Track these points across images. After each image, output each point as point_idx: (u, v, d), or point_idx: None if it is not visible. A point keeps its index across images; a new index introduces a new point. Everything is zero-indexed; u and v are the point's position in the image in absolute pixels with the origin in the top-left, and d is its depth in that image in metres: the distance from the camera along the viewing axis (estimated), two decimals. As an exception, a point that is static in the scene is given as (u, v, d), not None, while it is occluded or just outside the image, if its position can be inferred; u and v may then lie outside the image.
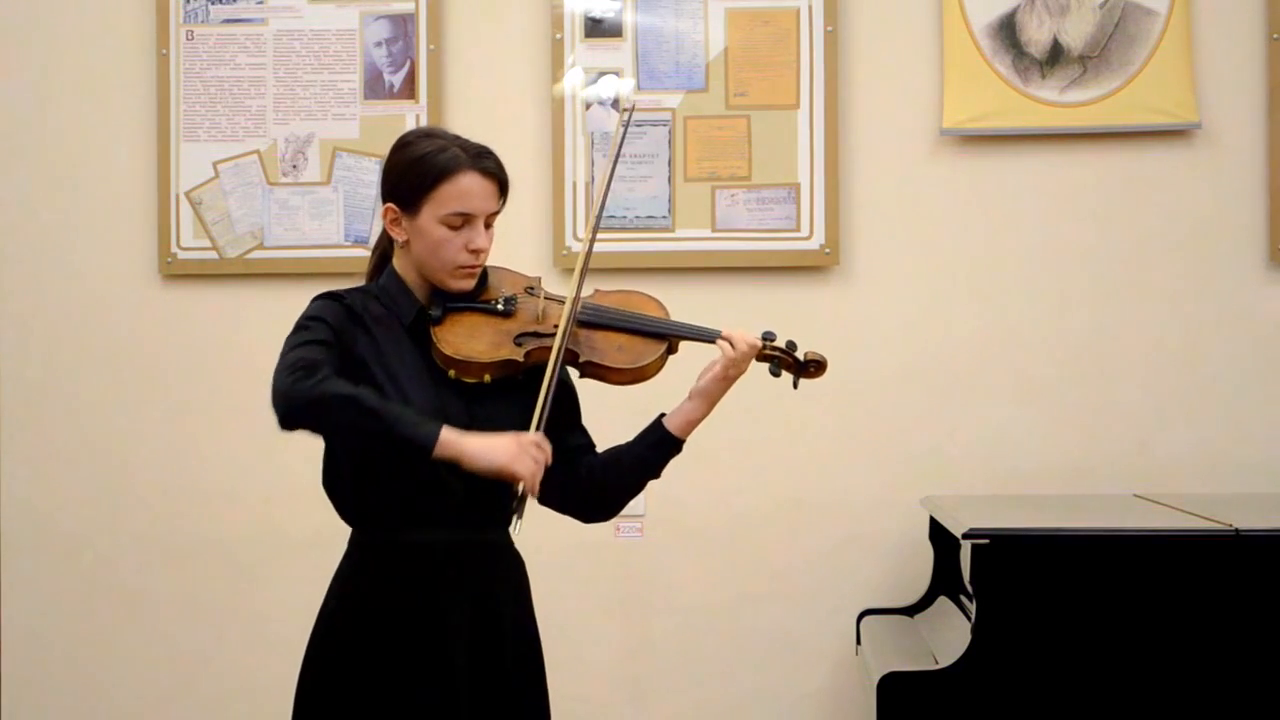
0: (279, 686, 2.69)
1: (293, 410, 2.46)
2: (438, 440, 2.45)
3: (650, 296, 2.75)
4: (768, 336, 2.68)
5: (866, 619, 3.87)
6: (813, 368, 2.71)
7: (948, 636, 3.39)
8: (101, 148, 4.23)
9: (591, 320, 2.67)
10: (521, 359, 2.61)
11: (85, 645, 4.23)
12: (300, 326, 2.58)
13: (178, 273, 4.19)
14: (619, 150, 2.78)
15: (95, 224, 4.23)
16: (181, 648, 4.20)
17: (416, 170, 2.60)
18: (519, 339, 2.63)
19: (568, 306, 2.62)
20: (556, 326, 2.62)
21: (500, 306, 2.66)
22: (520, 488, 2.53)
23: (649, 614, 4.12)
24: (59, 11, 4.24)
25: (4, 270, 4.26)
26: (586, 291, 2.72)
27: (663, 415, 2.69)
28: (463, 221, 2.60)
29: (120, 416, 4.21)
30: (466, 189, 2.59)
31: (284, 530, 4.11)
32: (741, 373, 2.66)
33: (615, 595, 4.12)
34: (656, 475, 2.71)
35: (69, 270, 4.24)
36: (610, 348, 2.65)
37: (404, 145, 2.66)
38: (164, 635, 4.20)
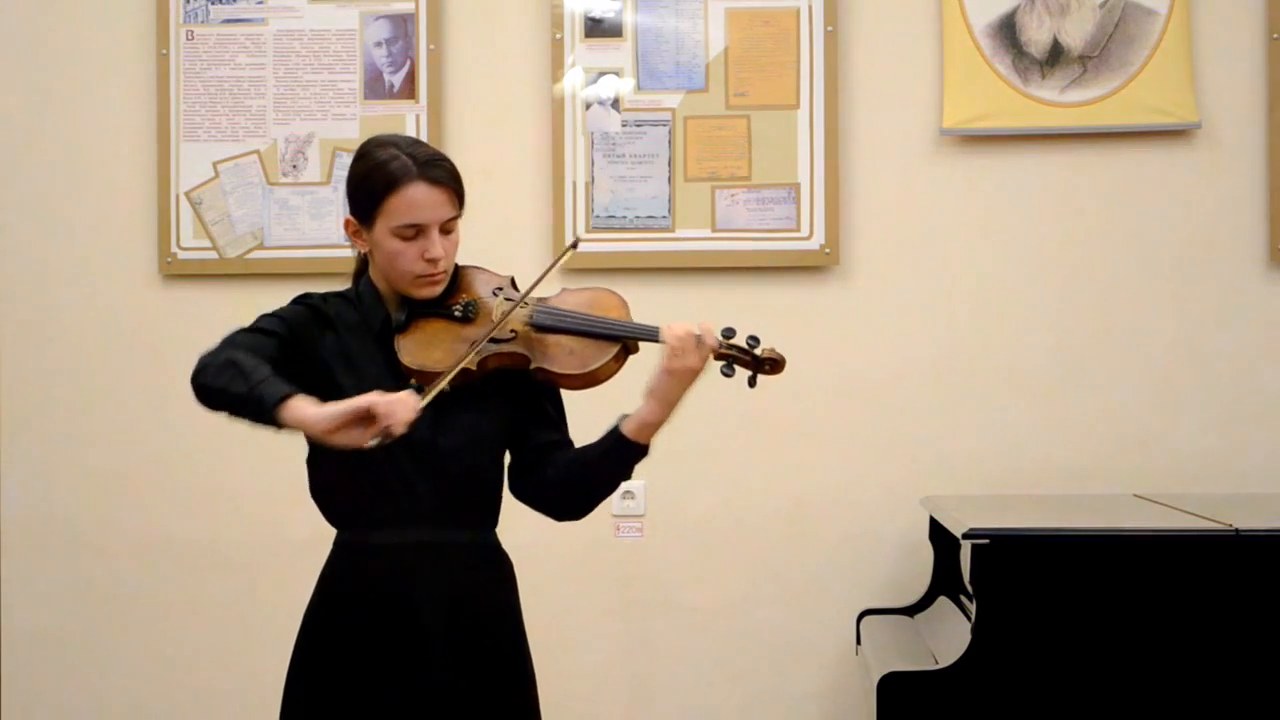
0: (277, 686, 2.69)
1: (196, 379, 2.46)
2: (278, 408, 2.37)
3: (613, 294, 2.68)
4: (726, 333, 2.60)
5: (866, 619, 3.87)
6: (768, 366, 2.61)
7: (948, 636, 3.39)
8: (101, 148, 4.23)
9: (545, 324, 2.61)
10: (474, 367, 2.57)
11: (85, 645, 4.23)
12: (257, 320, 2.58)
13: (178, 273, 4.19)
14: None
15: (95, 224, 4.23)
16: (181, 648, 4.20)
17: (368, 183, 2.58)
18: (476, 345, 2.58)
19: (495, 317, 2.56)
20: (514, 331, 2.57)
21: (459, 313, 2.62)
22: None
23: (649, 614, 4.12)
24: (59, 11, 4.24)
25: (4, 270, 4.26)
26: (553, 290, 2.69)
27: (625, 416, 2.62)
28: (415, 232, 2.56)
29: (120, 416, 4.21)
30: (413, 200, 2.55)
31: (284, 530, 4.11)
32: (692, 368, 2.55)
33: (615, 595, 4.12)
34: (626, 477, 2.64)
35: (69, 270, 4.24)
36: (561, 352, 2.59)
37: (360, 156, 2.63)
38: (164, 635, 4.20)
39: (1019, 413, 4.03)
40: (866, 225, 4.06)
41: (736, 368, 2.61)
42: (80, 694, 4.23)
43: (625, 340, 2.60)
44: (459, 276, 2.68)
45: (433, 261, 2.58)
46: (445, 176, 2.59)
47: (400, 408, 2.36)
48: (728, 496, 4.09)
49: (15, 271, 4.26)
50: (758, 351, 2.62)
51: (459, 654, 2.59)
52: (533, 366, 2.59)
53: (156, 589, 4.21)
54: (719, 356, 2.59)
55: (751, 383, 2.63)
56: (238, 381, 2.41)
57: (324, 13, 4.15)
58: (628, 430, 2.59)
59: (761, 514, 4.09)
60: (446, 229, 2.59)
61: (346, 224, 2.63)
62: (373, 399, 2.35)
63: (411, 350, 2.58)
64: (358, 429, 2.36)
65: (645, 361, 2.64)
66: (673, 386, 2.56)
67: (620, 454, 2.60)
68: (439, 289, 2.62)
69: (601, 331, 2.60)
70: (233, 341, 2.50)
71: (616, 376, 2.61)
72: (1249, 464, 3.97)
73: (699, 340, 2.55)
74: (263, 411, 2.39)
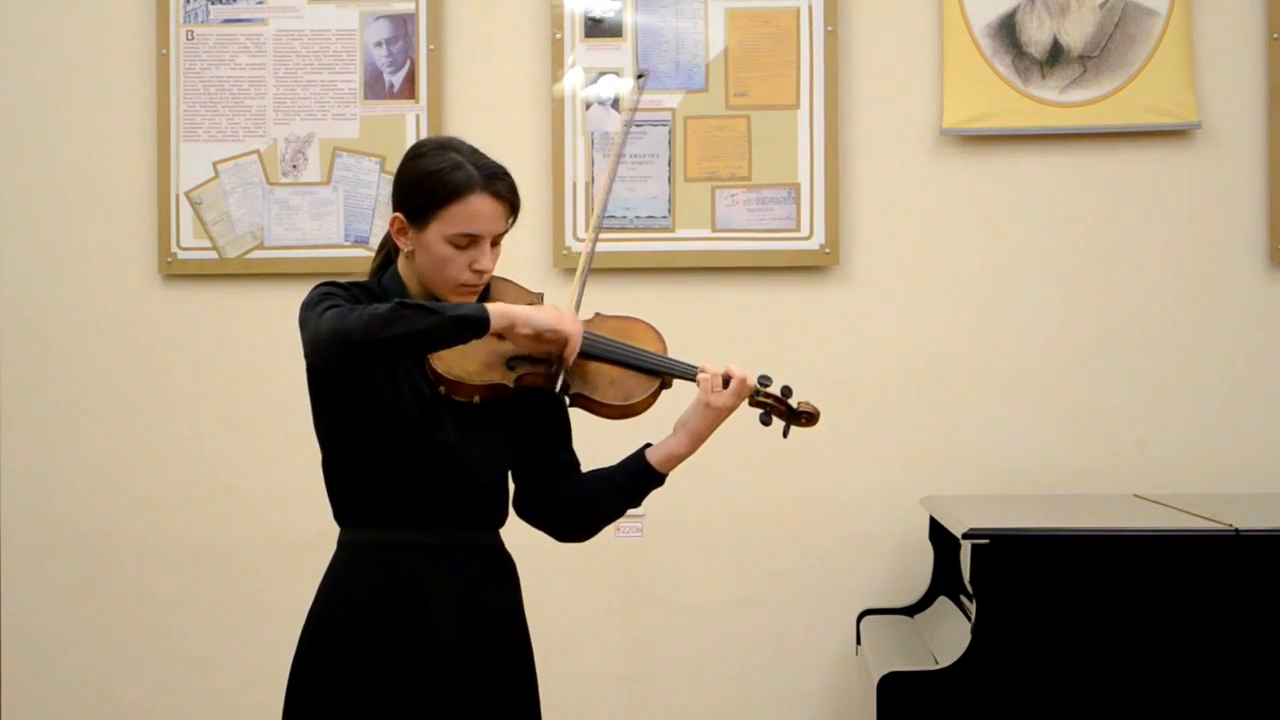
0: (278, 686, 2.69)
1: (349, 340, 2.40)
2: (489, 315, 2.45)
3: (650, 326, 2.70)
4: (763, 381, 2.64)
5: (866, 619, 3.87)
6: (804, 419, 2.66)
7: (948, 636, 3.39)
8: (101, 148, 4.23)
9: (587, 351, 2.60)
10: (511, 384, 2.56)
11: (85, 645, 4.23)
12: (323, 294, 2.54)
13: (178, 273, 4.19)
14: (621, 149, 2.74)
15: (95, 224, 4.23)
16: (181, 648, 4.20)
17: (427, 185, 2.56)
18: (511, 362, 2.57)
19: (580, 269, 2.61)
20: (551, 355, 2.56)
21: None
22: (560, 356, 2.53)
23: (649, 614, 4.12)
24: (59, 11, 4.24)
25: (4, 270, 4.26)
26: (587, 314, 2.69)
27: (648, 445, 2.67)
28: (469, 242, 2.56)
29: (120, 416, 4.22)
30: (476, 211, 2.55)
31: (284, 530, 4.11)
32: (726, 408, 2.62)
33: (615, 595, 4.12)
34: (636, 505, 2.70)
35: (69, 270, 4.24)
36: (603, 381, 2.60)
37: (418, 156, 2.62)
38: (164, 635, 4.20)
39: (1019, 413, 4.03)
40: (866, 225, 4.06)
41: (774, 417, 2.66)
42: (80, 694, 4.23)
43: (665, 376, 2.63)
44: (489, 288, 2.67)
45: (480, 273, 2.59)
46: (507, 190, 2.59)
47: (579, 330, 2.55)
48: (728, 496, 4.09)
49: (15, 271, 4.26)
50: (793, 403, 2.66)
51: (470, 655, 2.59)
52: (572, 391, 2.59)
53: (157, 589, 4.21)
54: (756, 404, 2.64)
55: (785, 433, 2.68)
56: (421, 318, 2.42)
57: (324, 13, 4.16)
58: (654, 460, 2.65)
59: (761, 514, 4.09)
60: (494, 241, 2.61)
61: (393, 220, 2.62)
62: (565, 328, 2.52)
63: (446, 358, 2.54)
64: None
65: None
66: (707, 423, 2.63)
67: (643, 482, 2.66)
68: (474, 299, 2.62)
69: (644, 365, 2.62)
70: (344, 308, 2.46)
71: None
72: (1249, 464, 3.97)
73: (737, 383, 2.61)
74: (472, 327, 2.45)
